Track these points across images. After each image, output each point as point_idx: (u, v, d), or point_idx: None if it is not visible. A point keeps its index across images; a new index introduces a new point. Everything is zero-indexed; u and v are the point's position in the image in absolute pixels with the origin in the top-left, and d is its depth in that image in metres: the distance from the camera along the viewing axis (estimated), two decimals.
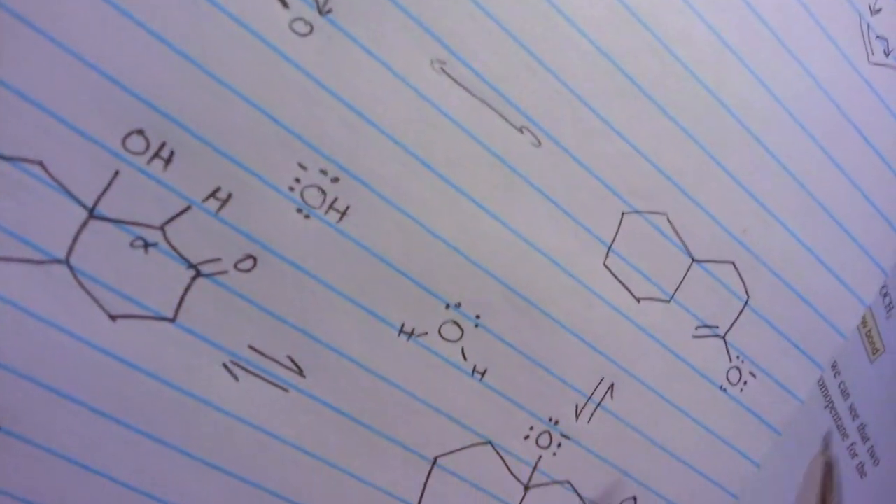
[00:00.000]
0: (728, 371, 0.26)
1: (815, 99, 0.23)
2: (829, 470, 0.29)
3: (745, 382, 0.26)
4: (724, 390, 0.26)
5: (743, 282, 0.25)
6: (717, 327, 0.25)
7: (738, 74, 0.22)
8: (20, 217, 0.17)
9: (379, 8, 0.18)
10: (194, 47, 0.17)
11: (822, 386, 0.28)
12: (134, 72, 0.17)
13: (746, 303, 0.25)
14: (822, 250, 0.25)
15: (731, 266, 0.24)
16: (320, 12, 0.18)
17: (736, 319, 0.25)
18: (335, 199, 0.19)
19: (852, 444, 0.30)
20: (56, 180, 0.17)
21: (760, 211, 0.24)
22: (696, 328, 0.25)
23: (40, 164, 0.17)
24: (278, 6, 0.17)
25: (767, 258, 0.25)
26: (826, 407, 0.29)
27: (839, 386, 0.28)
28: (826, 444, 0.29)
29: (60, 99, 0.16)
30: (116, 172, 0.17)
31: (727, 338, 0.25)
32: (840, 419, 0.29)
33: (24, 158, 0.17)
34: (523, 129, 0.20)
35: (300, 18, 0.18)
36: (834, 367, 0.28)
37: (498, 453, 0.23)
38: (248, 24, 0.17)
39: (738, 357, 0.26)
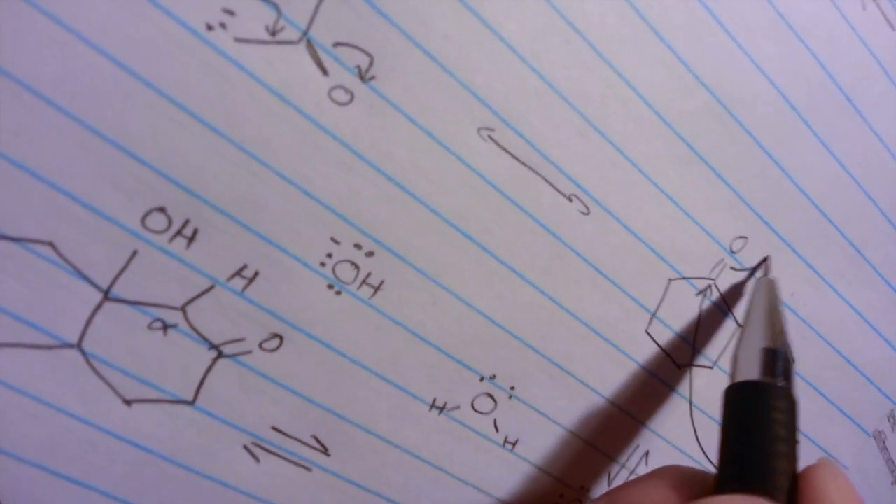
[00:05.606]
0: None
1: (883, 164, 0.22)
2: None
3: None
4: None
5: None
6: None
7: (802, 137, 0.21)
8: (29, 301, 0.15)
9: (427, 74, 0.16)
10: (222, 118, 0.15)
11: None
12: (155, 145, 0.15)
13: None
14: (873, 315, 0.24)
15: None
16: (362, 79, 0.16)
17: None
18: (369, 274, 0.18)
19: None
20: (68, 261, 0.15)
21: (810, 274, 0.23)
22: None
23: (51, 244, 0.15)
24: (317, 73, 0.16)
25: (815, 322, 0.23)
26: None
27: None
28: None
29: (72, 175, 0.15)
30: (135, 252, 0.16)
31: None
32: None
33: (33, 239, 0.15)
34: (572, 197, 0.19)
35: (340, 86, 0.16)
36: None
37: None
38: (282, 94, 0.16)
39: None
